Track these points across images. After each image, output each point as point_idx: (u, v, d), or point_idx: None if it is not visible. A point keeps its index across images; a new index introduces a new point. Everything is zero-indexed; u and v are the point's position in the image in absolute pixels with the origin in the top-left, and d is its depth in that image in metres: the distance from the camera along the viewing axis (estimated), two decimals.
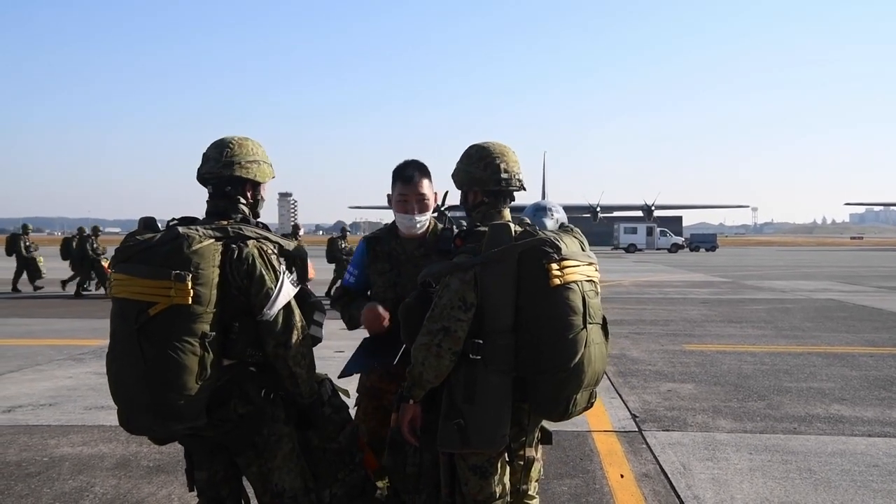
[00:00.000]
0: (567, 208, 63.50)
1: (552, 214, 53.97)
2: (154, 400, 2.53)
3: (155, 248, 2.61)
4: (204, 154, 2.90)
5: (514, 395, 2.69)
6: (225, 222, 2.78)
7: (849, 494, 4.58)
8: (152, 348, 2.53)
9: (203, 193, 2.95)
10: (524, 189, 2.96)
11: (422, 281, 2.83)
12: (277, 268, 2.78)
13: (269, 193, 3.06)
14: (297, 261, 2.91)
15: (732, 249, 75.68)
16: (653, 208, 72.69)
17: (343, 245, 18.80)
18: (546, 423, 3.01)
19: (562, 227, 2.91)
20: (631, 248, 63.57)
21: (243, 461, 2.83)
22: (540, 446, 3.06)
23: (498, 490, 2.79)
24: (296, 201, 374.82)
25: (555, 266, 2.62)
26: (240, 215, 2.88)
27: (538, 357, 2.63)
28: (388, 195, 3.37)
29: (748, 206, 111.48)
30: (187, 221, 2.78)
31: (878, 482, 4.79)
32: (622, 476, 4.91)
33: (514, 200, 2.98)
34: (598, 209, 73.58)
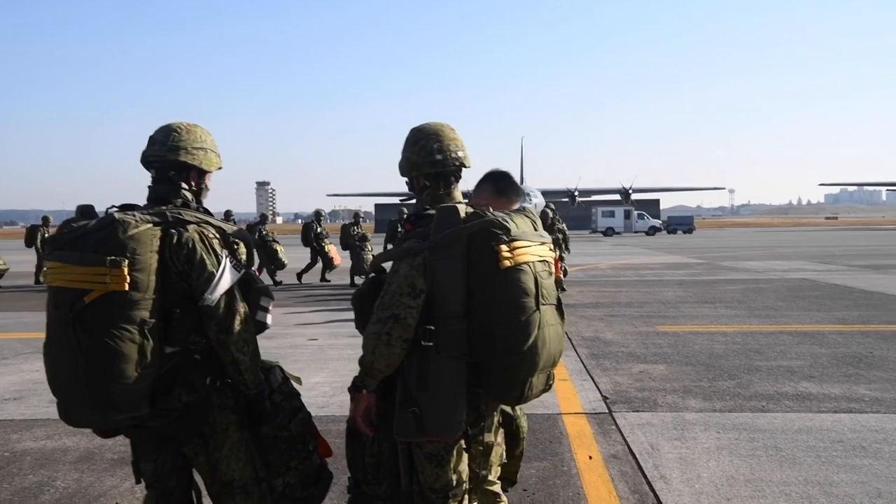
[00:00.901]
0: (545, 193, 63.67)
1: (531, 199, 54.07)
2: (92, 391, 2.48)
3: (89, 234, 2.55)
4: (151, 137, 2.84)
5: (469, 380, 2.65)
6: (164, 207, 2.72)
7: (812, 470, 4.61)
8: (89, 337, 2.47)
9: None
10: (464, 166, 2.84)
11: (373, 268, 2.79)
12: (219, 252, 2.73)
13: (212, 183, 3.00)
14: (240, 245, 2.87)
15: (709, 231, 76.21)
16: (630, 192, 73.00)
17: (355, 231, 18.36)
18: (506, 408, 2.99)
19: (515, 210, 2.86)
20: (609, 232, 63.75)
21: (190, 451, 2.78)
22: (500, 431, 3.03)
23: (454, 478, 2.74)
24: (274, 190, 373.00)
25: (504, 248, 2.57)
26: (180, 200, 2.81)
27: (491, 341, 2.59)
28: (476, 197, 3.36)
29: (725, 189, 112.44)
30: (128, 208, 2.71)
31: (842, 457, 4.82)
32: (590, 458, 4.92)
33: (459, 180, 2.88)
34: (577, 193, 73.87)
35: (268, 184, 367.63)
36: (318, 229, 19.13)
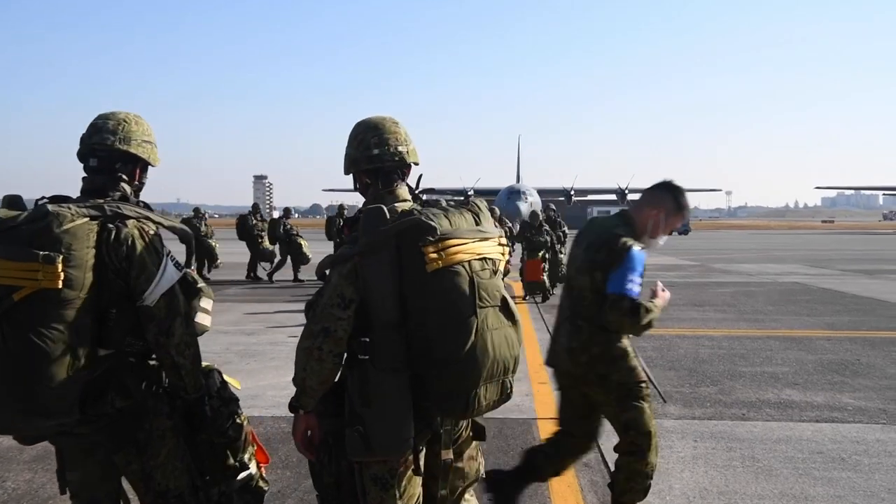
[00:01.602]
0: (541, 192, 63.53)
1: (526, 198, 53.99)
2: (18, 395, 2.32)
3: (20, 227, 2.39)
4: (93, 124, 2.68)
5: (415, 393, 2.42)
6: (101, 200, 2.55)
7: (789, 483, 4.48)
8: (16, 337, 2.31)
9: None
10: (404, 163, 2.62)
11: (318, 275, 2.60)
12: (160, 249, 2.57)
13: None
14: (182, 242, 2.71)
15: (705, 233, 75.99)
16: (627, 192, 72.78)
17: (341, 223, 18.21)
18: (479, 417, 2.71)
19: (456, 203, 2.63)
20: None
21: (122, 459, 2.62)
22: (474, 444, 2.78)
23: (400, 503, 2.52)
24: (271, 184, 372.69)
25: (431, 248, 2.35)
26: (118, 193, 2.65)
27: (427, 350, 2.39)
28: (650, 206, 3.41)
29: (721, 190, 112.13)
30: (59, 200, 2.54)
31: (820, 469, 4.69)
32: None
33: (404, 178, 2.66)
34: (573, 192, 73.66)
35: (265, 177, 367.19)
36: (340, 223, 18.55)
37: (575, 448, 3.91)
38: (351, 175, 2.71)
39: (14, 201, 2.54)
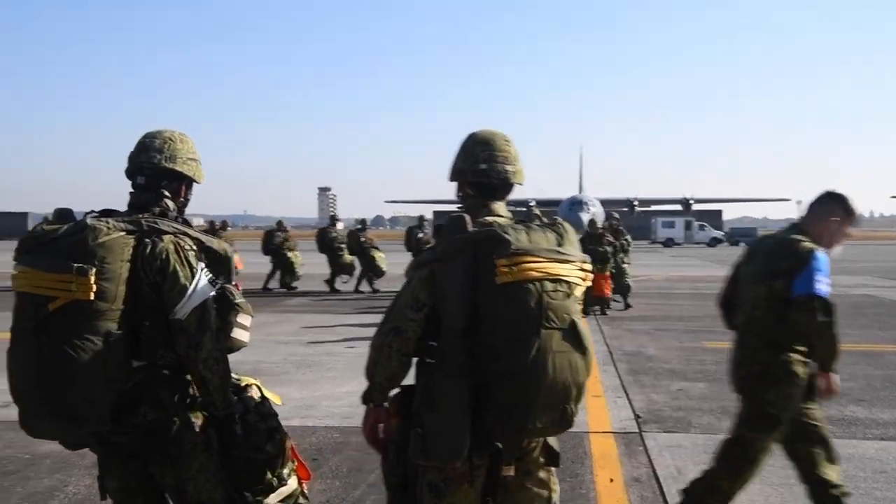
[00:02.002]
0: (604, 202, 62.82)
1: (588, 208, 53.43)
2: (51, 402, 2.40)
3: (59, 239, 2.47)
4: (141, 142, 2.76)
5: (477, 404, 2.39)
6: (140, 216, 2.63)
7: (849, 502, 4.32)
8: (50, 346, 2.39)
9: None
10: (508, 183, 2.65)
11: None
12: (194, 264, 2.62)
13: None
14: (220, 258, 2.76)
15: None
16: (691, 202, 71.59)
17: (420, 234, 17.63)
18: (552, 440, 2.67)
19: (540, 221, 2.62)
20: (668, 243, 62.66)
21: (157, 470, 2.66)
22: (548, 468, 2.68)
23: None
24: (335, 195, 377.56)
25: (503, 261, 2.36)
26: (158, 209, 2.71)
27: (492, 361, 2.38)
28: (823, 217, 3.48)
29: (790, 200, 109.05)
30: (108, 214, 2.62)
31: (883, 489, 4.54)
32: (612, 480, 4.72)
33: (505, 195, 2.68)
34: (636, 203, 72.74)
35: (329, 189, 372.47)
36: (420, 234, 17.87)
37: (811, 453, 3.72)
38: (455, 184, 2.75)
39: (63, 214, 2.63)
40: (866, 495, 4.45)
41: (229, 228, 19.04)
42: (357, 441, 5.50)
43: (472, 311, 2.40)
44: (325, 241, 18.68)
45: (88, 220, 2.51)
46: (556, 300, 2.43)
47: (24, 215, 65.99)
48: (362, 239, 18.00)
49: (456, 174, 2.70)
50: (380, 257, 17.74)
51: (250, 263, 19.96)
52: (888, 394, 7.10)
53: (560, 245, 2.51)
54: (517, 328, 2.38)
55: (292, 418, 6.18)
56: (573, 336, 2.45)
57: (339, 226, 20.36)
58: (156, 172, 2.74)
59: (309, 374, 8.16)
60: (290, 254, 18.39)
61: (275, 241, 18.62)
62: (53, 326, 2.40)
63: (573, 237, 2.59)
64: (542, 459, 2.65)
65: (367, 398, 2.61)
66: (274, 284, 18.39)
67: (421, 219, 18.73)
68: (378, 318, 2.66)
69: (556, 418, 2.46)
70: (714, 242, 62.92)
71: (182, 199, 2.84)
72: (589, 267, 2.58)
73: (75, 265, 2.40)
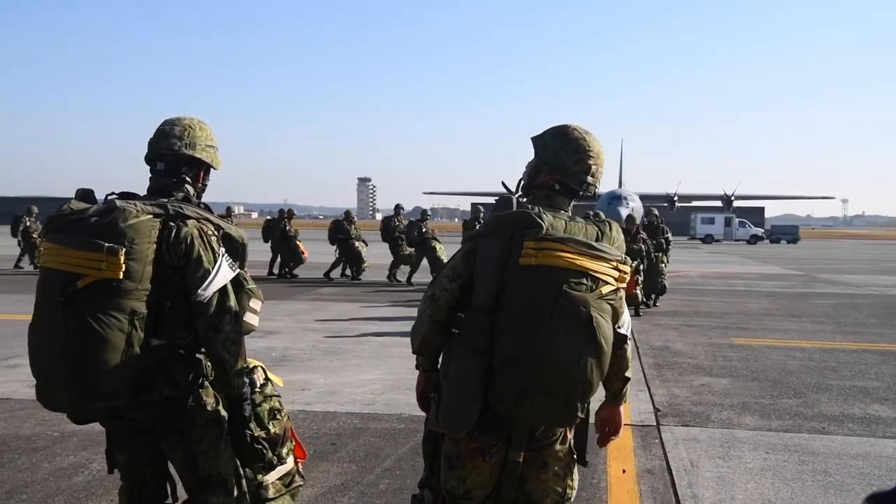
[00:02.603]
0: (643, 197, 62.24)
1: (627, 203, 52.96)
2: (74, 376, 2.50)
3: (89, 219, 2.58)
4: (161, 130, 2.86)
5: (487, 381, 2.44)
6: (165, 200, 2.74)
7: (860, 499, 4.30)
8: (77, 322, 2.50)
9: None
10: (587, 193, 2.70)
11: None
12: (216, 249, 2.72)
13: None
14: (237, 244, 2.87)
15: (816, 242, 72.86)
16: (732, 198, 70.54)
17: (396, 223, 18.47)
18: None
19: (586, 216, 2.70)
20: (708, 239, 61.94)
21: (167, 445, 2.77)
22: (568, 463, 2.67)
23: (461, 487, 2.59)
24: (374, 186, 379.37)
25: (531, 244, 2.41)
26: (181, 194, 2.83)
27: (503, 341, 2.41)
28: None
29: (834, 198, 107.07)
30: (127, 196, 2.74)
31: None
32: (624, 471, 4.76)
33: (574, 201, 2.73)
34: (676, 198, 71.91)
35: (369, 180, 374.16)
36: (424, 228, 18.24)
37: None
38: (538, 164, 2.71)
39: (86, 195, 2.74)
40: None
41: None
42: (375, 427, 5.65)
43: (499, 290, 2.46)
44: (388, 230, 18.80)
45: (118, 203, 2.62)
46: (578, 292, 2.41)
47: None
48: (424, 230, 17.94)
49: (556, 169, 2.65)
50: (440, 248, 17.59)
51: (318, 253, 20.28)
52: None
53: (598, 241, 2.51)
54: (529, 311, 2.40)
55: (315, 403, 6.34)
56: (587, 332, 2.41)
57: (378, 216, 20.59)
58: (175, 159, 2.83)
59: (335, 361, 8.28)
60: (357, 244, 18.86)
61: (343, 232, 18.99)
62: (81, 303, 2.51)
63: (617, 236, 2.58)
64: (562, 454, 2.65)
65: (417, 364, 2.79)
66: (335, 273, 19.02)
67: (424, 213, 18.86)
68: (409, 311, 2.78)
69: (556, 410, 2.45)
70: (754, 239, 61.99)
71: (200, 185, 2.94)
72: (627, 269, 2.56)
73: (106, 245, 2.51)
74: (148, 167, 2.89)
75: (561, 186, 2.65)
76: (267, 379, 3.00)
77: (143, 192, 2.86)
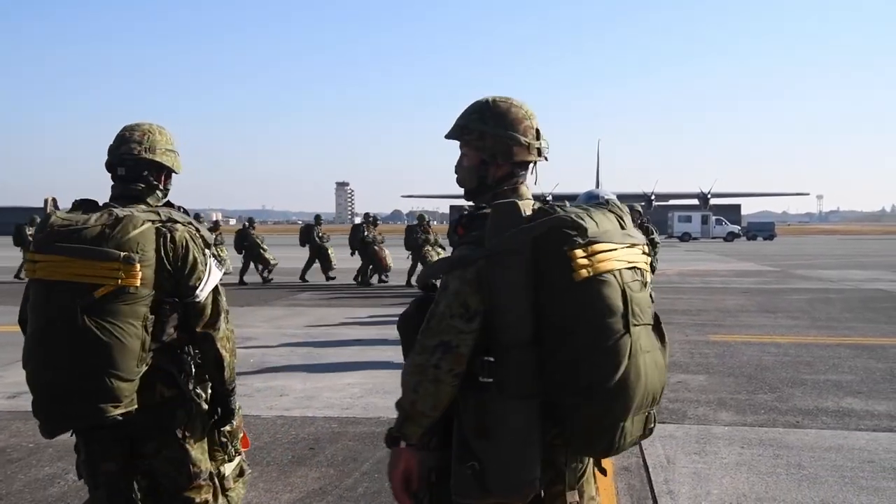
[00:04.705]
0: (621, 196, 62.25)
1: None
2: (92, 386, 2.51)
3: (94, 228, 2.59)
4: (120, 135, 2.87)
5: (544, 424, 2.05)
6: (153, 206, 2.79)
7: (833, 490, 4.39)
8: (97, 331, 2.50)
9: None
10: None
11: (421, 284, 2.29)
12: (206, 251, 2.80)
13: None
14: (208, 246, 2.92)
15: (792, 238, 73.46)
16: (709, 196, 71.29)
17: (419, 234, 18.13)
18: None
19: (595, 203, 2.24)
20: (685, 237, 62.34)
21: (153, 446, 2.75)
22: (594, 484, 2.29)
23: None
24: (352, 190, 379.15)
25: (580, 252, 1.98)
26: (161, 200, 2.89)
27: (568, 374, 2.01)
28: None
29: (809, 194, 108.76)
30: (88, 204, 2.74)
31: (868, 479, 4.58)
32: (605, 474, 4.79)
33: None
34: (653, 197, 72.45)
35: (347, 184, 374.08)
36: (366, 233, 18.85)
37: None
38: (488, 161, 2.25)
39: (88, 205, 2.74)
40: (851, 483, 4.50)
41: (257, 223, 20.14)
42: (354, 431, 5.66)
43: (537, 317, 2.04)
44: (412, 239, 18.44)
45: (124, 211, 2.64)
46: (637, 291, 2.08)
47: None
48: (425, 235, 17.96)
49: (508, 152, 2.22)
50: (442, 254, 17.42)
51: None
52: (886, 386, 7.12)
53: (623, 227, 2.16)
54: (602, 331, 1.99)
55: (293, 409, 6.34)
56: (658, 331, 2.15)
57: (356, 220, 20.81)
58: (136, 163, 2.84)
59: (312, 365, 8.28)
60: (326, 245, 19.73)
61: (361, 235, 18.88)
62: (99, 312, 2.52)
63: (629, 218, 2.22)
64: (594, 476, 2.30)
65: (397, 435, 2.14)
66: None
67: (421, 218, 18.80)
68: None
69: (641, 428, 2.12)
70: (731, 237, 62.47)
71: (164, 189, 2.96)
72: (648, 250, 2.22)
73: (122, 254, 2.54)
74: (109, 174, 2.89)
75: (518, 167, 2.26)
76: None
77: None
